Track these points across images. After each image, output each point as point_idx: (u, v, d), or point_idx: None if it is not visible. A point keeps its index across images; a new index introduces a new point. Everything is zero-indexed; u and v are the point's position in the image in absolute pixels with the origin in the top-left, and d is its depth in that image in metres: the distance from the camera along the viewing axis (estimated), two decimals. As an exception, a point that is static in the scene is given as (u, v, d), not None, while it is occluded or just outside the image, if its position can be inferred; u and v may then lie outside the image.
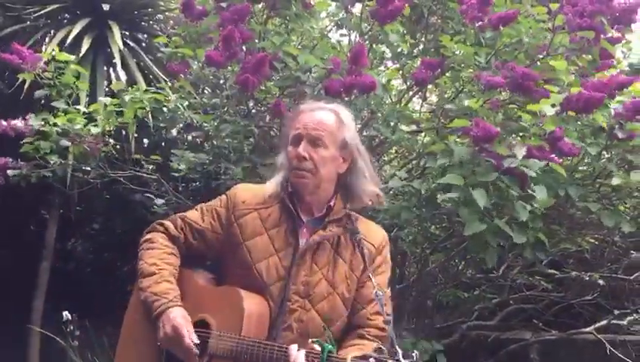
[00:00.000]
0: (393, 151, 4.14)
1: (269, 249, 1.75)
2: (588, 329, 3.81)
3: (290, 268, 1.73)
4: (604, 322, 3.84)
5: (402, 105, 3.41)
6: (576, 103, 2.37)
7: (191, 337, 1.66)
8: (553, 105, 2.39)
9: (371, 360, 1.45)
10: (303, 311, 1.72)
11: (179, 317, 1.67)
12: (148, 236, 1.87)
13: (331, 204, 1.80)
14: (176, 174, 3.45)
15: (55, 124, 2.93)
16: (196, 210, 1.88)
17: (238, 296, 1.69)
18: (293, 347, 1.57)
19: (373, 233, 1.86)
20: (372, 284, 1.75)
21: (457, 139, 2.68)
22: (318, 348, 1.56)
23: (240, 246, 1.76)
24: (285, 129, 1.90)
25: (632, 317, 3.87)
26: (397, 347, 1.46)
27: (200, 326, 1.70)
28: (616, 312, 3.86)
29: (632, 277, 3.72)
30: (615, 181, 2.56)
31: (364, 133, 3.64)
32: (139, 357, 1.82)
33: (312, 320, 1.71)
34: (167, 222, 1.87)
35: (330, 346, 1.54)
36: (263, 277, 1.72)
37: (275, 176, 1.84)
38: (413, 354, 1.44)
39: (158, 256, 1.79)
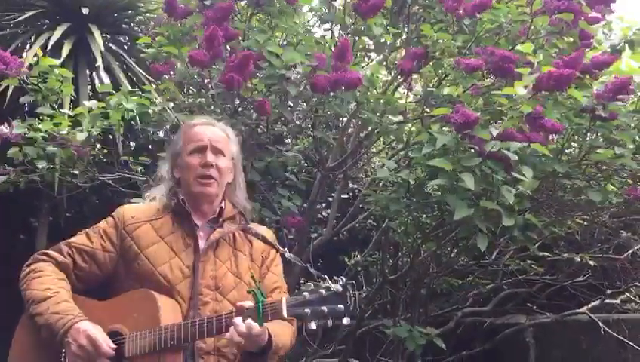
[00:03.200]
0: (381, 142, 4.16)
1: (169, 253, 1.79)
2: (582, 310, 3.85)
3: (194, 265, 1.78)
4: (597, 302, 3.88)
5: (388, 96, 3.42)
6: (548, 82, 2.39)
7: (108, 344, 1.65)
8: (525, 87, 2.41)
9: (305, 294, 1.53)
10: (216, 302, 1.76)
11: (91, 328, 1.66)
12: (31, 267, 1.81)
13: (222, 205, 1.89)
14: (165, 175, 3.44)
15: (39, 130, 2.91)
16: (80, 234, 1.87)
17: (148, 295, 1.70)
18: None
19: (264, 230, 1.98)
20: (273, 275, 1.91)
21: (443, 128, 2.69)
22: (248, 303, 1.59)
23: (138, 256, 1.78)
24: (175, 142, 1.95)
25: (625, 296, 3.92)
26: (325, 276, 1.56)
27: (113, 337, 1.69)
28: (608, 292, 3.90)
29: (622, 256, 3.76)
30: (598, 156, 2.59)
31: (352, 125, 3.67)
32: None
33: (225, 309, 1.73)
34: (51, 252, 1.84)
35: (262, 298, 1.58)
36: (168, 279, 1.74)
37: (157, 189, 1.92)
38: (341, 278, 1.55)
39: (49, 282, 1.75)
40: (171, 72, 3.44)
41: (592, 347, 4.08)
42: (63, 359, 1.72)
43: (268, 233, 1.98)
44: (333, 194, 4.11)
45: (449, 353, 3.87)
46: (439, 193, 2.85)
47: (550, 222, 3.17)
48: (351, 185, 4.51)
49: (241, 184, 1.97)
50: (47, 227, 4.46)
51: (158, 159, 3.43)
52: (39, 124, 2.93)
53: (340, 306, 1.50)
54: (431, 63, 3.15)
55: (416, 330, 3.16)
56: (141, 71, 4.22)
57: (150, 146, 4.61)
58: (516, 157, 2.31)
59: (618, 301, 3.90)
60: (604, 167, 2.94)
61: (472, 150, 2.44)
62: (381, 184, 3.76)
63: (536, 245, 3.51)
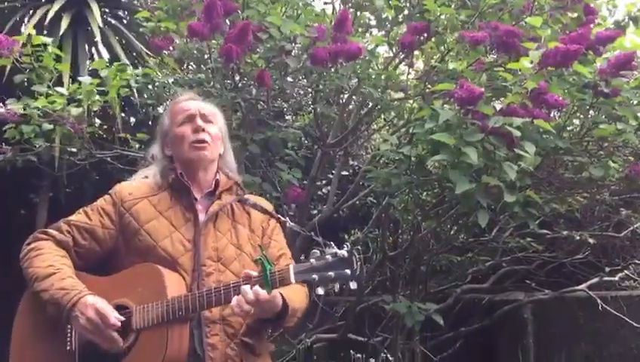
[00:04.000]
0: (382, 119, 4.14)
1: (169, 228, 1.78)
2: (580, 287, 3.87)
3: (195, 238, 1.78)
4: (595, 279, 3.90)
5: (389, 71, 3.40)
6: (554, 57, 2.36)
7: (116, 316, 1.65)
8: (531, 62, 2.39)
9: (312, 260, 1.57)
10: (219, 272, 1.77)
11: (98, 301, 1.65)
12: (32, 245, 1.80)
13: (218, 178, 1.89)
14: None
15: (36, 108, 2.89)
16: (79, 213, 1.86)
17: (153, 269, 1.70)
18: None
19: (263, 201, 1.98)
20: (277, 243, 1.91)
21: (446, 105, 2.68)
22: (254, 273, 1.61)
23: (138, 232, 1.77)
24: (162, 121, 1.95)
25: (623, 274, 3.94)
26: (331, 243, 1.59)
27: (118, 310, 1.68)
28: (607, 269, 3.92)
29: (622, 234, 3.77)
30: (600, 132, 2.58)
31: (354, 100, 3.64)
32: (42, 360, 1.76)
33: (228, 279, 1.73)
34: (51, 230, 1.83)
35: (269, 265, 1.59)
36: (170, 253, 1.74)
37: (151, 169, 1.92)
38: (346, 244, 1.58)
39: (51, 259, 1.74)
40: (171, 47, 3.41)
41: (589, 323, 4.11)
42: (68, 334, 1.72)
43: (266, 203, 1.98)
44: (333, 171, 4.10)
45: (448, 329, 3.90)
46: (440, 170, 2.85)
47: (551, 199, 3.17)
48: (351, 162, 4.50)
49: (230, 157, 1.97)
50: (48, 203, 4.45)
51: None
52: (35, 101, 2.91)
53: (347, 271, 1.54)
54: (433, 39, 3.13)
55: (415, 306, 3.17)
56: (140, 45, 4.18)
57: (150, 122, 4.59)
58: (519, 133, 2.30)
59: (617, 278, 3.92)
60: (605, 144, 2.93)
61: (475, 126, 2.42)
62: (382, 161, 3.75)
63: (537, 222, 3.53)
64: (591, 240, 3.74)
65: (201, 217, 1.82)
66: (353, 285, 1.55)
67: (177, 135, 1.86)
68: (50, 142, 3.11)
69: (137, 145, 3.46)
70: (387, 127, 4.12)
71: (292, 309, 1.70)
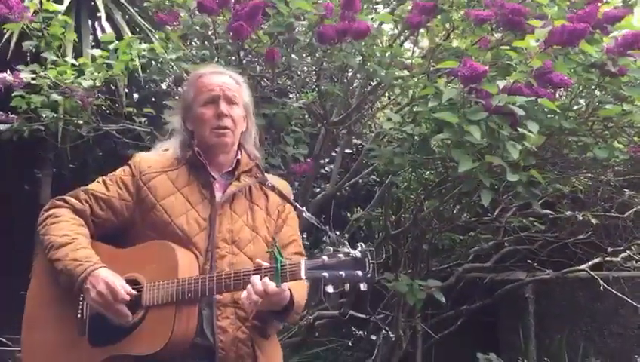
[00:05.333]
0: (386, 97, 4.12)
1: (186, 205, 1.77)
2: (582, 267, 3.89)
3: (210, 218, 1.76)
4: (597, 260, 3.91)
5: (394, 49, 3.37)
6: (561, 36, 2.34)
7: (126, 290, 1.65)
8: (537, 40, 2.36)
9: (324, 258, 1.54)
10: (232, 255, 1.75)
11: (110, 275, 1.66)
12: (49, 212, 1.80)
13: (239, 157, 1.87)
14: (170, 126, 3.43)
15: (46, 77, 2.89)
16: (98, 182, 1.85)
17: (166, 246, 1.70)
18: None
19: (280, 182, 1.95)
20: (289, 229, 1.89)
21: (450, 85, 2.66)
22: (266, 264, 1.60)
23: (155, 207, 1.76)
24: (185, 93, 1.91)
25: (626, 254, 3.95)
26: (345, 242, 1.57)
27: (129, 285, 1.69)
28: (609, 250, 3.93)
29: (625, 215, 3.76)
30: (606, 112, 2.56)
31: (358, 78, 3.63)
32: (54, 327, 1.77)
33: (241, 263, 1.74)
34: (69, 197, 1.83)
35: (281, 258, 1.58)
36: (185, 231, 1.73)
37: (171, 141, 1.89)
38: (360, 244, 1.56)
39: (68, 227, 1.75)
40: (175, 23, 3.39)
41: (590, 303, 4.13)
42: (80, 302, 1.74)
43: (285, 186, 1.96)
44: (336, 149, 4.10)
45: (449, 307, 3.92)
46: (443, 149, 2.84)
47: (554, 179, 3.17)
48: (355, 140, 4.49)
49: (253, 132, 1.93)
50: (51, 178, 4.47)
51: (163, 111, 3.45)
52: (43, 71, 2.90)
53: (358, 272, 1.52)
54: (439, 17, 3.10)
55: (416, 284, 3.19)
56: (143, 22, 4.16)
57: (154, 98, 4.59)
58: (522, 112, 2.29)
59: (619, 259, 3.93)
60: (611, 124, 2.91)
61: (478, 104, 2.41)
62: (385, 139, 3.74)
63: (540, 202, 3.53)
64: (594, 221, 3.74)
65: (218, 196, 1.81)
66: (364, 287, 1.53)
67: (199, 116, 1.83)
68: (55, 112, 3.11)
69: (142, 120, 3.44)
70: (391, 106, 4.10)
71: (297, 303, 1.70)
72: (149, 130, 3.49)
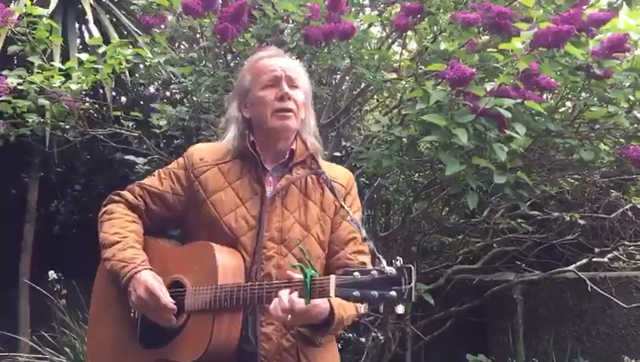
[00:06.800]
0: (375, 100, 4.14)
1: (235, 201, 1.70)
2: (569, 268, 3.90)
3: (259, 216, 1.68)
4: (585, 260, 3.93)
5: (382, 52, 3.39)
6: (546, 38, 2.36)
7: (167, 297, 1.61)
8: (523, 43, 2.38)
9: (355, 273, 1.40)
10: (280, 256, 1.67)
11: (151, 279, 1.62)
12: (106, 208, 1.80)
13: (293, 147, 1.75)
14: (157, 130, 3.42)
15: (32, 82, 2.87)
16: (153, 175, 1.82)
17: (208, 248, 1.64)
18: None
19: (340, 173, 1.83)
20: (349, 225, 1.75)
21: (438, 87, 2.68)
22: (297, 276, 1.49)
23: (204, 203, 1.70)
24: (242, 78, 1.80)
25: (612, 255, 3.97)
26: (380, 256, 1.42)
27: (174, 287, 1.66)
28: (596, 250, 3.95)
29: (611, 216, 3.79)
30: (592, 115, 2.58)
31: (346, 81, 3.64)
32: (113, 326, 1.76)
33: (289, 265, 1.63)
34: (124, 192, 1.81)
35: (312, 271, 1.45)
36: (233, 230, 1.67)
37: (229, 132, 1.79)
38: (397, 261, 1.39)
39: (120, 224, 1.73)
40: (162, 26, 3.38)
41: (578, 304, 4.16)
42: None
43: (344, 175, 1.82)
44: (325, 152, 4.09)
45: (438, 309, 3.93)
46: (431, 151, 2.86)
47: (541, 181, 3.19)
48: (344, 143, 4.49)
49: (312, 121, 1.81)
50: (38, 182, 4.44)
51: (150, 115, 3.44)
52: (29, 75, 2.88)
53: (393, 293, 1.35)
54: (426, 19, 3.12)
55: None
56: (130, 24, 4.14)
57: (141, 102, 4.57)
58: (509, 115, 2.30)
59: (606, 259, 3.95)
60: (597, 126, 2.94)
61: (466, 107, 2.43)
62: (374, 142, 3.75)
63: (527, 204, 3.55)
64: (581, 222, 3.77)
65: (269, 191, 1.71)
66: (400, 309, 1.37)
67: (259, 99, 1.72)
68: (42, 117, 3.09)
69: (130, 124, 3.43)
70: (379, 108, 4.11)
71: (338, 319, 1.57)
72: (136, 133, 3.48)
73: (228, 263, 1.62)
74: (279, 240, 1.68)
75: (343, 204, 1.72)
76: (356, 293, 1.37)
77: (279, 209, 1.70)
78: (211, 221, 1.69)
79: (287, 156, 1.75)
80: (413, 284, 1.35)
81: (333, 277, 1.41)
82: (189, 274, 1.66)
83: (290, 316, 1.46)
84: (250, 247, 1.66)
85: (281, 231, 1.68)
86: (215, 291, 1.57)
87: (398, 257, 1.39)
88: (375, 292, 1.36)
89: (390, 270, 1.36)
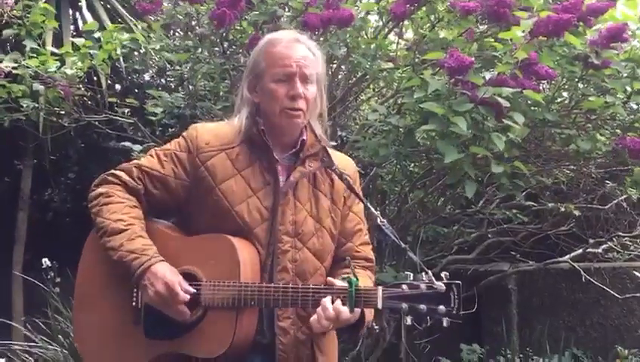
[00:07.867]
0: (371, 89, 4.12)
1: (246, 190, 1.64)
2: (564, 259, 3.92)
3: (273, 208, 1.64)
4: (579, 251, 3.95)
5: (379, 41, 3.37)
6: (546, 27, 2.35)
7: (186, 289, 1.56)
8: (523, 32, 2.37)
9: (404, 286, 1.43)
10: (295, 250, 1.64)
11: (168, 273, 1.57)
12: (101, 189, 1.68)
13: (304, 137, 1.71)
14: (153, 118, 3.39)
15: (28, 67, 2.83)
16: (151, 156, 1.71)
17: (226, 242, 1.59)
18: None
19: (345, 164, 1.81)
20: (355, 217, 1.77)
21: (435, 76, 2.67)
22: (339, 283, 1.50)
23: (213, 191, 1.64)
24: (256, 60, 1.72)
25: (607, 245, 3.99)
26: (426, 269, 1.44)
27: (186, 280, 1.60)
28: (591, 241, 3.96)
29: (606, 207, 3.80)
30: (589, 105, 2.58)
31: (342, 70, 3.62)
32: (107, 311, 1.69)
33: (305, 258, 1.65)
34: (121, 173, 1.69)
35: (355, 280, 1.46)
36: (246, 220, 1.62)
37: (239, 113, 1.72)
38: (446, 275, 1.44)
39: (121, 210, 1.63)
40: (158, 12, 3.35)
41: (572, 294, 4.17)
42: (135, 290, 1.64)
43: (350, 165, 1.81)
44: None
45: (433, 299, 3.93)
46: (428, 141, 2.85)
47: (537, 171, 3.19)
48: (340, 132, 4.48)
49: (324, 110, 1.77)
50: (32, 169, 4.42)
51: (146, 102, 3.42)
52: (24, 60, 2.85)
53: (442, 307, 1.40)
54: (424, 8, 3.10)
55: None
56: (124, 12, 4.11)
57: (136, 90, 4.54)
58: (508, 104, 2.30)
59: (600, 250, 3.97)
60: (594, 117, 2.94)
61: (464, 96, 2.42)
62: (370, 131, 3.74)
63: (523, 194, 3.56)
64: (576, 213, 3.77)
65: (281, 182, 1.67)
66: (446, 323, 1.40)
67: (270, 92, 1.66)
68: (36, 102, 3.06)
69: (125, 111, 3.40)
70: (376, 97, 4.10)
71: (367, 320, 1.60)
72: (131, 120, 3.45)
73: (247, 258, 1.60)
74: (293, 233, 1.65)
75: (362, 198, 1.74)
76: (404, 306, 1.41)
77: (292, 201, 1.67)
78: (221, 210, 1.63)
79: (298, 146, 1.71)
80: (460, 301, 1.39)
81: (380, 288, 1.44)
82: (202, 267, 1.61)
83: (332, 324, 1.49)
84: (264, 240, 1.63)
85: (295, 225, 1.65)
86: (240, 289, 1.55)
87: (445, 273, 1.44)
88: (424, 307, 1.40)
89: (439, 285, 1.41)
